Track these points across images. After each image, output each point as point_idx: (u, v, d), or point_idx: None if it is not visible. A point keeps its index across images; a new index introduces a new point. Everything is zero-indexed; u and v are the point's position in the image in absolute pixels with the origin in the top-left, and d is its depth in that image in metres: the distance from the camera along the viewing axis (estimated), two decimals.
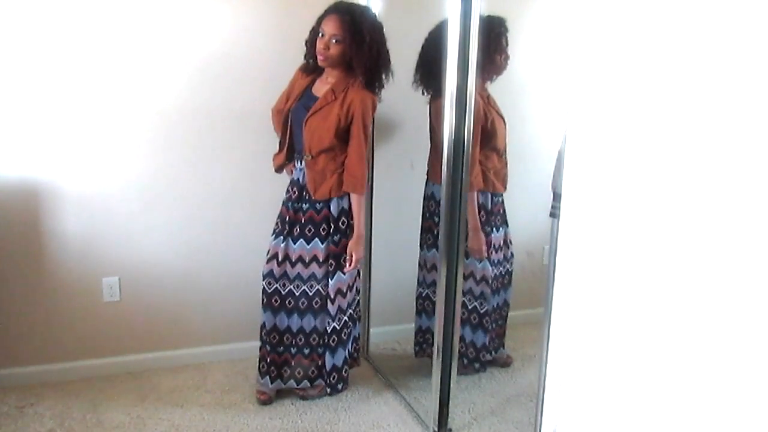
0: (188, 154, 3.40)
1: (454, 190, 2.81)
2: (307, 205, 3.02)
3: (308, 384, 3.20)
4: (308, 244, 3.04)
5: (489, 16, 2.89)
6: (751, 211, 1.34)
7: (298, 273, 3.07)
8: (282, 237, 3.06)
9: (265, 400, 3.20)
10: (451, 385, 2.97)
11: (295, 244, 3.05)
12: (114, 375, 3.46)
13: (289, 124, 3.06)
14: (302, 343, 3.13)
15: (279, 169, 3.21)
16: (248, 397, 3.25)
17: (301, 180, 3.04)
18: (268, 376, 3.15)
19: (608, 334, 1.80)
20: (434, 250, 3.29)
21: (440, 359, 2.94)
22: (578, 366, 1.94)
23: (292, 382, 3.18)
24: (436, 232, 3.23)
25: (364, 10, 2.95)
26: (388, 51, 2.98)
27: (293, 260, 3.07)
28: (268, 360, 3.14)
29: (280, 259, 3.06)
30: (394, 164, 3.58)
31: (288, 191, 3.10)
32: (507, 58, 3.08)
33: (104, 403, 3.19)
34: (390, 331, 3.89)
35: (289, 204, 3.06)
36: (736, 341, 1.40)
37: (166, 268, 3.49)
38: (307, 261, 3.06)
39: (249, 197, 3.51)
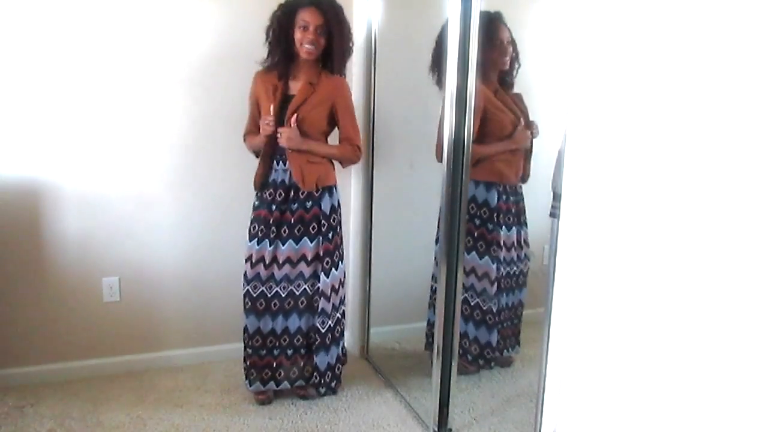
0: (188, 154, 3.41)
1: (454, 189, 2.81)
2: (296, 204, 3.02)
3: (303, 383, 3.19)
4: (297, 243, 3.04)
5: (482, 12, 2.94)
6: (750, 211, 1.34)
7: (285, 274, 3.06)
8: (268, 240, 3.03)
9: (264, 400, 3.19)
10: (451, 385, 2.97)
11: (284, 245, 3.03)
12: (114, 375, 3.46)
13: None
14: (286, 343, 3.11)
15: (263, 187, 3.10)
16: (248, 397, 3.25)
17: (286, 180, 3.02)
18: (258, 381, 3.14)
19: (608, 334, 1.80)
20: (504, 228, 3.27)
21: (440, 359, 2.94)
22: (578, 366, 1.94)
23: (286, 384, 3.16)
24: (513, 210, 3.24)
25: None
26: (351, 37, 3.04)
27: (281, 262, 3.05)
28: (258, 366, 3.12)
29: (267, 263, 3.04)
30: (394, 164, 3.58)
31: (267, 195, 3.05)
32: (503, 52, 3.11)
33: (104, 403, 3.19)
34: (390, 330, 3.87)
35: (273, 207, 3.03)
36: (736, 341, 1.40)
37: (166, 268, 3.49)
38: (295, 261, 3.05)
39: (248, 197, 3.48)
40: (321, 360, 3.15)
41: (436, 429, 2.99)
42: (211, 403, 3.23)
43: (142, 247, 3.43)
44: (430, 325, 3.48)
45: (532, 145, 3.15)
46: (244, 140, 3.20)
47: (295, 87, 2.99)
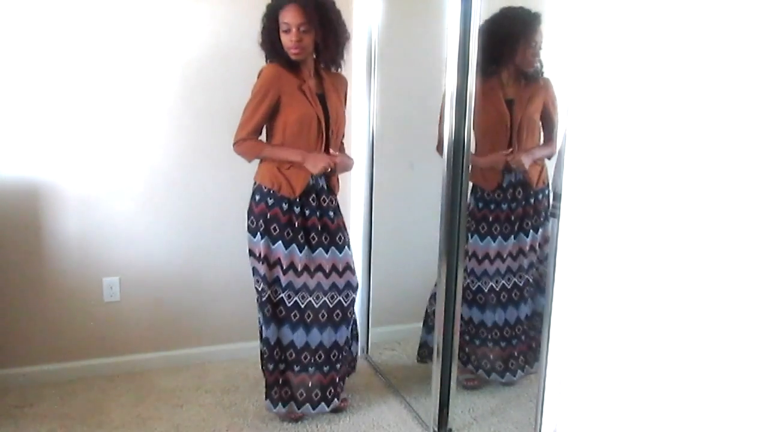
0: (188, 154, 3.41)
1: (454, 190, 2.81)
2: (332, 212, 2.94)
3: (325, 408, 3.00)
4: (341, 252, 2.95)
5: (522, 8, 2.94)
6: (749, 211, 1.34)
7: (333, 283, 2.92)
8: (297, 245, 2.86)
9: (296, 418, 3.04)
10: (452, 385, 2.96)
11: (321, 253, 2.91)
12: (114, 375, 3.46)
13: (302, 129, 2.84)
14: (321, 360, 2.95)
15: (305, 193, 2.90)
16: (248, 397, 3.25)
17: (320, 182, 2.90)
18: (280, 403, 2.97)
19: (608, 334, 1.80)
20: (476, 236, 3.18)
21: (440, 359, 2.94)
22: (578, 366, 1.94)
23: (307, 407, 2.98)
24: (491, 218, 3.15)
25: None
26: (344, 25, 2.88)
27: (327, 270, 2.91)
28: (280, 381, 2.96)
29: (299, 269, 2.88)
30: (394, 165, 3.60)
31: (310, 199, 2.88)
32: (534, 54, 3.02)
33: (104, 403, 3.19)
34: (390, 331, 3.88)
35: (306, 211, 2.88)
36: (736, 341, 1.40)
37: (166, 268, 3.49)
38: (340, 270, 2.94)
39: (248, 197, 3.49)
40: (341, 334, 2.98)
41: (436, 429, 2.99)
42: (211, 403, 3.23)
43: (143, 248, 3.43)
44: (424, 342, 3.39)
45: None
46: (238, 144, 2.84)
47: (314, 86, 2.87)
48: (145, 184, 3.38)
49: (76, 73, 3.16)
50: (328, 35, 2.79)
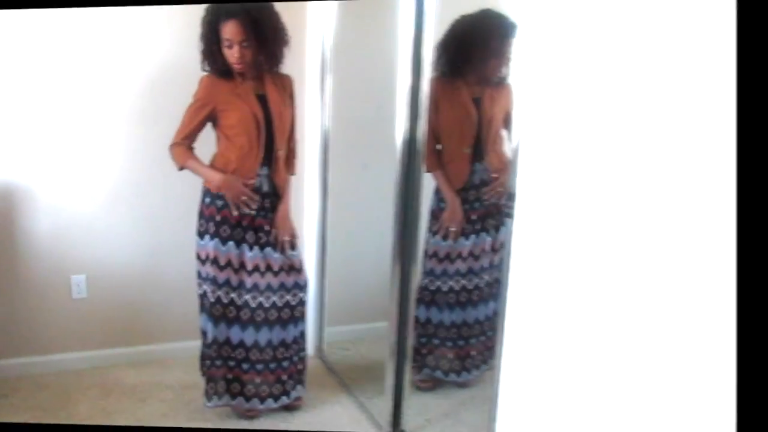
0: (152, 155, 3.40)
1: (407, 190, 2.83)
2: (271, 214, 2.95)
3: (272, 403, 3.05)
4: (283, 252, 2.97)
5: (500, 15, 2.89)
6: (699, 213, 1.35)
7: (282, 282, 2.97)
8: (256, 246, 2.91)
9: (253, 415, 3.10)
10: (405, 387, 2.96)
11: (275, 252, 2.94)
12: (82, 369, 3.53)
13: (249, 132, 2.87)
14: (269, 358, 3.00)
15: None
16: None
17: (265, 186, 2.92)
18: (227, 395, 3.03)
19: (562, 336, 1.79)
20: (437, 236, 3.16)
21: (394, 360, 2.94)
22: (532, 368, 1.93)
23: (255, 401, 3.03)
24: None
25: (255, 3, 2.78)
26: (283, 28, 2.85)
27: (276, 269, 2.95)
28: (230, 377, 3.01)
29: (262, 270, 2.94)
30: (347, 165, 3.61)
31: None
32: (501, 64, 3.01)
33: (73, 397, 3.27)
34: (343, 331, 3.87)
35: (262, 211, 2.92)
36: (693, 344, 1.39)
37: (130, 266, 3.56)
38: (287, 269, 2.98)
39: None
40: (289, 333, 3.04)
41: (390, 430, 2.99)
42: (171, 398, 3.28)
43: (108, 246, 3.51)
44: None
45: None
46: (171, 147, 2.91)
47: (256, 88, 2.88)
48: (111, 186, 3.45)
49: (45, 83, 3.25)
50: (270, 45, 2.80)
